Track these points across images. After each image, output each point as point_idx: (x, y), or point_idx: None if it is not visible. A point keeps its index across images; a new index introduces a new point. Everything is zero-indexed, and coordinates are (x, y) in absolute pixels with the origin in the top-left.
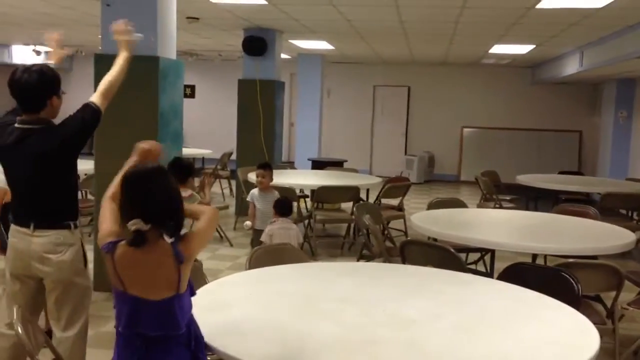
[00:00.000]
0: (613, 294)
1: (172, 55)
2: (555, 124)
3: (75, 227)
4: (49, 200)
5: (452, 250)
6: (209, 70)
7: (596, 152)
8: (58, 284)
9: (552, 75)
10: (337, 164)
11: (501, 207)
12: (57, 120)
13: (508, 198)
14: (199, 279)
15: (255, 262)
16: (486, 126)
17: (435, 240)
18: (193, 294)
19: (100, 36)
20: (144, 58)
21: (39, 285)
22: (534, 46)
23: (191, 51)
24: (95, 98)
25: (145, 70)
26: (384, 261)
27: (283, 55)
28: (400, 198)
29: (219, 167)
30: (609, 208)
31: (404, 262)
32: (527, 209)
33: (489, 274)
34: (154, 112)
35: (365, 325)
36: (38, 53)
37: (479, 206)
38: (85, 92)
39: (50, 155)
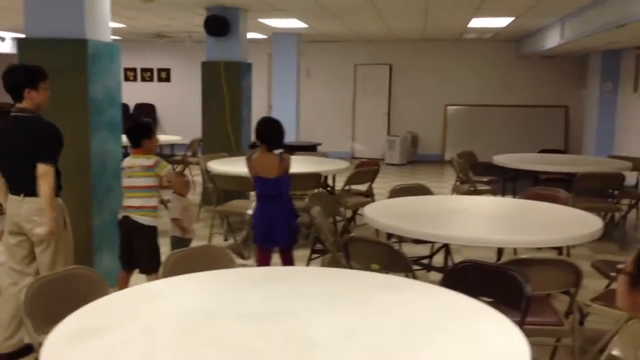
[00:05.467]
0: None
1: (106, 37)
2: (541, 99)
3: (56, 196)
4: (34, 177)
5: (395, 247)
6: (183, 53)
7: (583, 127)
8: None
9: (536, 48)
10: (310, 148)
11: (476, 189)
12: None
13: (485, 179)
14: None
15: (172, 269)
16: (471, 103)
17: (390, 234)
18: None
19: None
20: (70, 42)
21: (29, 241)
22: (514, 18)
23: (161, 33)
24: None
25: (73, 55)
26: (332, 257)
27: (258, 36)
28: (369, 183)
29: (188, 153)
30: (586, 188)
31: (348, 259)
32: (503, 190)
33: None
34: (84, 100)
35: (257, 352)
36: (2, 39)
37: (454, 189)
38: None
39: (31, 146)
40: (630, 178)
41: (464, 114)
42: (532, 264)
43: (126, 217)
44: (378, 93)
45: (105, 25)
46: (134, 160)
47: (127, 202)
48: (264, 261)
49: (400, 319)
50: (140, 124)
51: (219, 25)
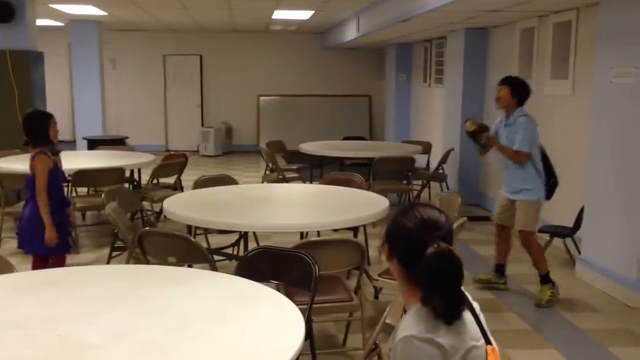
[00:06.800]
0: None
1: None
2: (347, 89)
3: None
4: None
5: (191, 239)
6: None
7: (384, 116)
8: None
9: (338, 41)
10: (117, 142)
11: (284, 177)
12: None
13: (294, 167)
14: None
15: None
16: (282, 93)
17: (190, 227)
18: None
19: None
20: None
21: None
22: (314, 12)
23: None
24: None
25: None
26: (130, 254)
27: (54, 23)
28: (176, 176)
29: None
30: (382, 172)
31: (144, 255)
32: (311, 177)
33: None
34: None
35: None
36: None
37: (264, 178)
38: None
39: None
40: (422, 161)
41: (276, 104)
42: (321, 246)
43: None
44: (190, 84)
45: None
46: None
47: None
48: (36, 267)
49: (181, 312)
50: None
51: (1, 10)
